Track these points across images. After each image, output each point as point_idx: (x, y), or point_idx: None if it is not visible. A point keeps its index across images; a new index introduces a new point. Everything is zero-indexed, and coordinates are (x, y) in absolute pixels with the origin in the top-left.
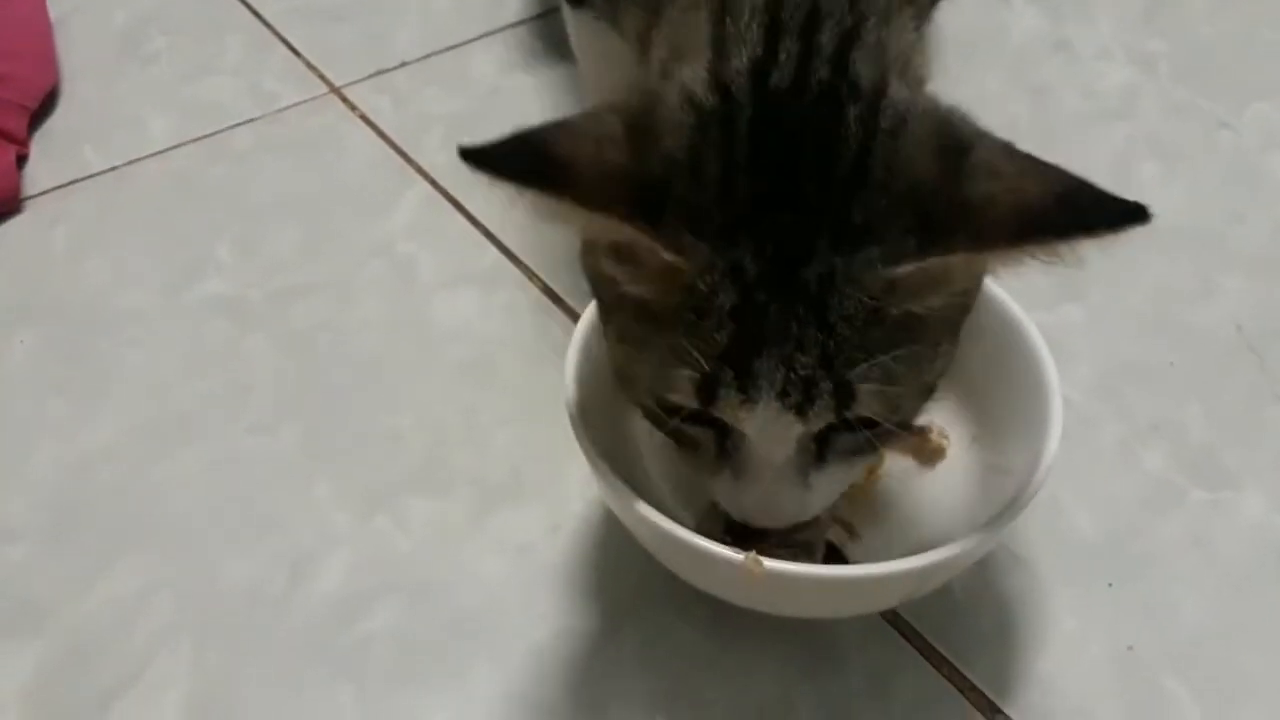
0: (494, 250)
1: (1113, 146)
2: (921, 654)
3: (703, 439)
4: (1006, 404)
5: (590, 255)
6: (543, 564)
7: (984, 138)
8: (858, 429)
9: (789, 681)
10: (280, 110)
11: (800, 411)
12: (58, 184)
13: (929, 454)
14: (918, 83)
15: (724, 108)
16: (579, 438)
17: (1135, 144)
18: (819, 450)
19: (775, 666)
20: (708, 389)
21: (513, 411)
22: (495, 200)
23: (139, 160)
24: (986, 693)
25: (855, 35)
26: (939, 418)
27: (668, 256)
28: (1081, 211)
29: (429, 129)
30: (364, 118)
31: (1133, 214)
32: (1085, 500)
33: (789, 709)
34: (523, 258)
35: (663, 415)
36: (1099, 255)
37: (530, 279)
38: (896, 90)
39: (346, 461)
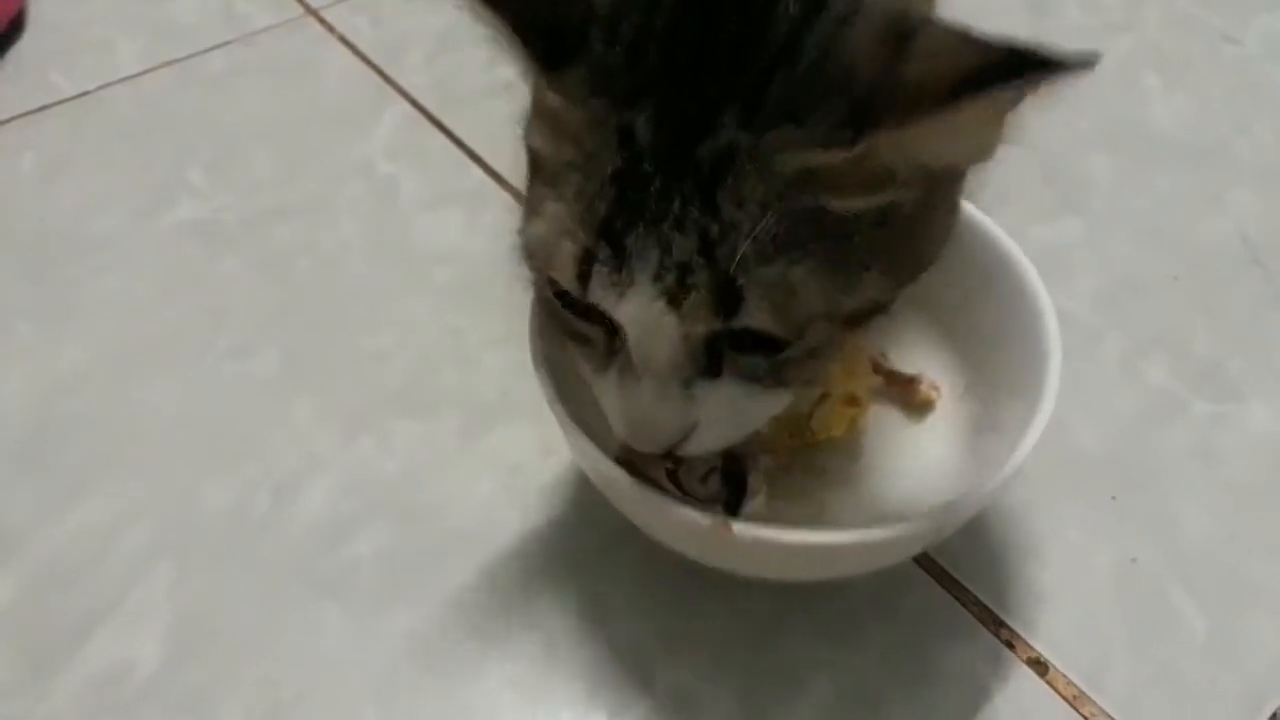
0: (478, 170)
1: (1115, 59)
2: (924, 569)
3: (594, 337)
4: (1001, 354)
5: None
6: (535, 485)
7: (934, 23)
8: (754, 347)
9: (789, 598)
10: (254, 33)
11: (674, 301)
12: (25, 110)
13: (918, 406)
14: None
15: None
16: (539, 377)
17: (1137, 57)
18: (710, 363)
19: (775, 584)
20: (584, 266)
21: (501, 333)
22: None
23: (108, 85)
24: (990, 607)
25: None
26: (929, 367)
27: (552, 98)
28: (1010, 64)
29: (408, 48)
30: (342, 39)
31: (1070, 60)
32: (1088, 414)
33: (789, 625)
34: (508, 178)
35: (559, 307)
36: (1102, 167)
37: (517, 199)
38: None
39: (328, 384)
